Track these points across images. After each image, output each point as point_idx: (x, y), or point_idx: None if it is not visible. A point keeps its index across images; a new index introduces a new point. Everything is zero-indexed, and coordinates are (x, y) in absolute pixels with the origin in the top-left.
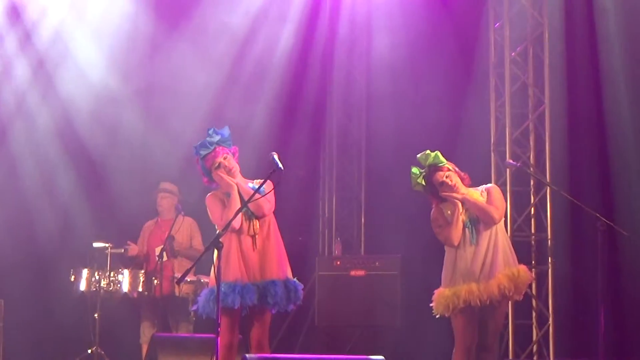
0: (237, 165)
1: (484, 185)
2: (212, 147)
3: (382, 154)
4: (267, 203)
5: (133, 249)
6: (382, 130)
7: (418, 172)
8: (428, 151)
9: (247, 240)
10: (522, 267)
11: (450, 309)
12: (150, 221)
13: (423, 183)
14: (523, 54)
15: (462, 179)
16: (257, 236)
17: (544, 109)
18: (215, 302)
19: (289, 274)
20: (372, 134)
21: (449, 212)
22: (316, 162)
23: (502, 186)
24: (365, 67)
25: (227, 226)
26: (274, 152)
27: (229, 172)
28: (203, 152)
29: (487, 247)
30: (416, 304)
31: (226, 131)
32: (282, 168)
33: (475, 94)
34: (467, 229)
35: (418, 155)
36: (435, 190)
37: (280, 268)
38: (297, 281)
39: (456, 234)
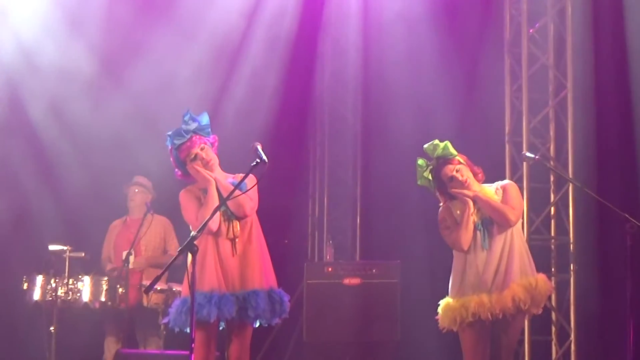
0: (215, 157)
1: (499, 182)
2: (188, 136)
3: (381, 143)
4: (249, 201)
5: (112, 269)
6: (381, 115)
7: (424, 165)
8: (436, 141)
9: (225, 244)
10: (541, 276)
11: (458, 322)
12: (117, 220)
13: (430, 177)
14: (543, 31)
15: (474, 174)
16: (237, 239)
17: (566, 94)
18: (189, 314)
19: (274, 283)
20: (369, 119)
21: (458, 211)
22: (304, 152)
23: (518, 182)
24: (361, 40)
25: (203, 227)
26: (257, 142)
27: (207, 164)
28: (177, 142)
29: (501, 252)
30: (419, 316)
31: (204, 118)
32: (267, 160)
33: (488, 77)
34: (478, 232)
35: (425, 146)
36: (444, 186)
37: (264, 276)
38: (282, 291)
39: (466, 236)
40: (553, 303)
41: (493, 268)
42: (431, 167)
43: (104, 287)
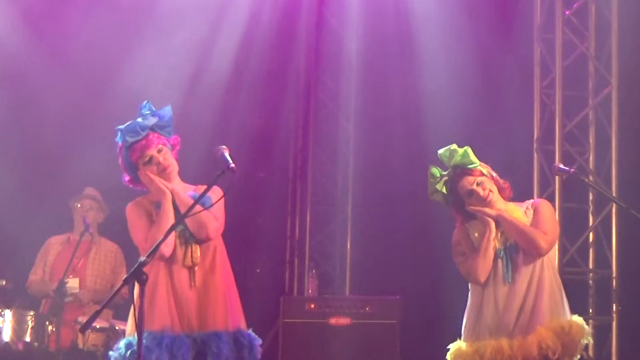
0: (175, 164)
1: (530, 201)
2: (144, 133)
3: (378, 149)
4: (214, 221)
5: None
6: (380, 115)
7: (438, 175)
8: (454, 146)
9: (181, 274)
10: (575, 319)
11: None
12: (57, 237)
13: (444, 191)
14: (582, 13)
15: (500, 190)
16: (196, 268)
17: (610, 92)
18: None
19: (241, 324)
20: (365, 120)
21: (476, 234)
22: (284, 159)
23: (548, 201)
24: (357, 23)
25: (154, 251)
26: (223, 146)
27: (163, 171)
28: (130, 139)
29: (528, 287)
30: None
31: (167, 112)
32: (235, 168)
33: (513, 69)
34: (500, 260)
35: (440, 151)
36: (461, 202)
37: (229, 315)
38: (252, 334)
39: (484, 265)
40: (590, 352)
41: (516, 306)
42: (446, 178)
43: (29, 323)
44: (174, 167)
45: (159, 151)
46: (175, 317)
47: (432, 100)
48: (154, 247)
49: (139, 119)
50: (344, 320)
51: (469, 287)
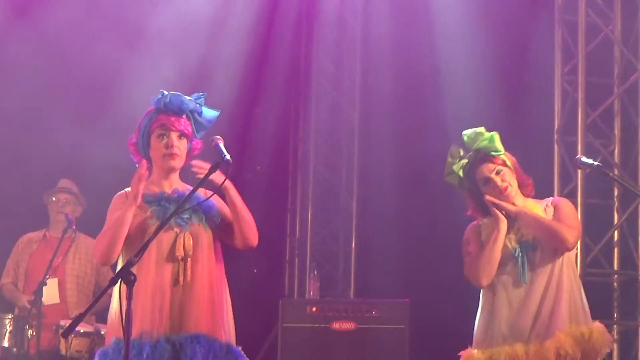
0: (181, 162)
1: (549, 199)
2: (181, 113)
3: (386, 140)
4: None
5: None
6: (387, 103)
7: (458, 155)
8: (482, 129)
9: (166, 268)
10: (597, 326)
11: None
12: (32, 234)
13: (460, 173)
14: None
15: (521, 185)
16: (187, 261)
17: (637, 79)
18: None
19: (230, 336)
20: (371, 108)
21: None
22: (283, 150)
23: (570, 197)
24: (360, 6)
25: (143, 249)
26: (218, 137)
27: (169, 158)
28: (165, 107)
29: (546, 289)
30: None
31: (212, 114)
32: (230, 160)
33: (531, 54)
34: (517, 259)
35: (465, 132)
36: (476, 190)
37: (215, 321)
38: (240, 351)
39: (485, 267)
40: None
41: (533, 309)
42: (466, 160)
43: (8, 327)
44: (179, 162)
45: (180, 137)
46: (156, 319)
47: (444, 86)
48: (144, 243)
49: (188, 98)
50: (348, 325)
51: (482, 291)
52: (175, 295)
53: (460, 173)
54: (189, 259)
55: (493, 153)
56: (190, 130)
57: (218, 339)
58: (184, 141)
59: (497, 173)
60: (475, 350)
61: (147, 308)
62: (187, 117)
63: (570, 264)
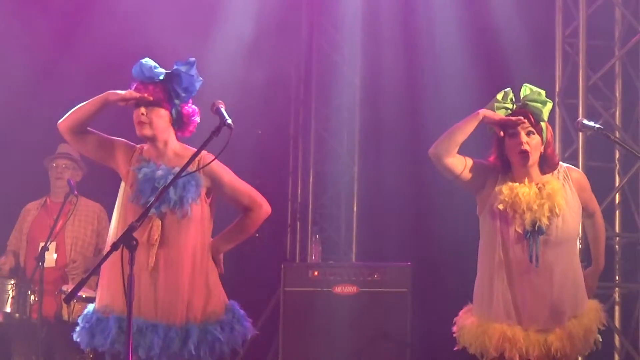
0: (162, 133)
1: (563, 165)
2: (149, 80)
3: (388, 104)
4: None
5: (3, 262)
6: (389, 66)
7: (507, 100)
8: (543, 92)
9: (140, 253)
10: (591, 306)
11: (481, 353)
12: (33, 202)
13: (509, 106)
14: None
15: (546, 160)
16: (155, 247)
17: (638, 41)
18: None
19: (207, 312)
20: (373, 72)
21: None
22: (284, 114)
23: (571, 160)
24: None
25: (145, 214)
26: (219, 101)
27: (139, 126)
28: (135, 75)
29: (551, 278)
30: (436, 338)
31: (191, 81)
32: (232, 124)
33: (532, 16)
34: (528, 241)
35: (528, 85)
36: (502, 140)
37: (190, 305)
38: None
39: (447, 137)
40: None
41: (537, 297)
42: (510, 106)
43: (10, 293)
44: (149, 130)
45: (151, 105)
46: (121, 299)
47: (446, 49)
48: (144, 211)
49: (155, 65)
50: (350, 289)
51: (478, 252)
52: (145, 280)
53: (500, 113)
54: (155, 246)
55: (536, 115)
56: (162, 96)
57: (176, 324)
58: (158, 109)
59: (528, 134)
60: (475, 318)
61: (118, 287)
62: (162, 83)
63: (574, 248)
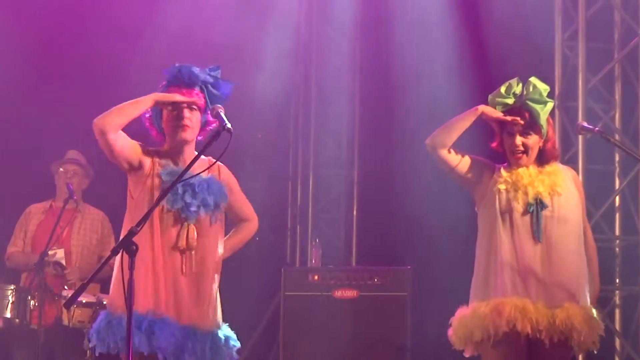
0: (194, 133)
1: (563, 166)
2: (193, 86)
3: (388, 106)
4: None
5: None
6: (389, 68)
7: (511, 92)
8: (547, 91)
9: (174, 256)
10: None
11: (490, 333)
12: (38, 204)
13: (509, 102)
14: None
15: (547, 152)
16: (192, 252)
17: (637, 44)
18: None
19: (216, 320)
20: (372, 74)
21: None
22: (283, 118)
23: (571, 163)
24: None
25: (145, 219)
26: (219, 105)
27: (182, 129)
28: (174, 80)
29: (553, 251)
30: (436, 342)
31: (227, 86)
32: (231, 128)
33: (531, 19)
34: (532, 215)
35: (536, 81)
36: (500, 131)
37: (216, 310)
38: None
39: (445, 129)
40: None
41: (544, 270)
42: (508, 101)
43: (10, 299)
44: (191, 134)
45: (191, 109)
46: (162, 302)
47: (445, 51)
48: (143, 216)
49: (197, 69)
50: (350, 293)
51: (477, 247)
52: (184, 284)
53: (499, 108)
54: (192, 251)
55: (533, 115)
56: (202, 102)
57: (202, 328)
58: (197, 113)
59: (524, 134)
60: (478, 303)
61: (151, 290)
62: (201, 89)
63: (580, 235)
